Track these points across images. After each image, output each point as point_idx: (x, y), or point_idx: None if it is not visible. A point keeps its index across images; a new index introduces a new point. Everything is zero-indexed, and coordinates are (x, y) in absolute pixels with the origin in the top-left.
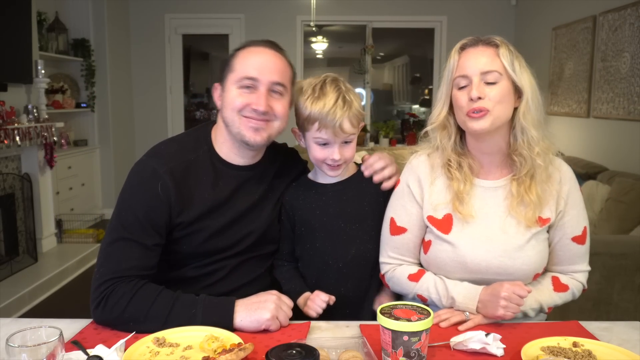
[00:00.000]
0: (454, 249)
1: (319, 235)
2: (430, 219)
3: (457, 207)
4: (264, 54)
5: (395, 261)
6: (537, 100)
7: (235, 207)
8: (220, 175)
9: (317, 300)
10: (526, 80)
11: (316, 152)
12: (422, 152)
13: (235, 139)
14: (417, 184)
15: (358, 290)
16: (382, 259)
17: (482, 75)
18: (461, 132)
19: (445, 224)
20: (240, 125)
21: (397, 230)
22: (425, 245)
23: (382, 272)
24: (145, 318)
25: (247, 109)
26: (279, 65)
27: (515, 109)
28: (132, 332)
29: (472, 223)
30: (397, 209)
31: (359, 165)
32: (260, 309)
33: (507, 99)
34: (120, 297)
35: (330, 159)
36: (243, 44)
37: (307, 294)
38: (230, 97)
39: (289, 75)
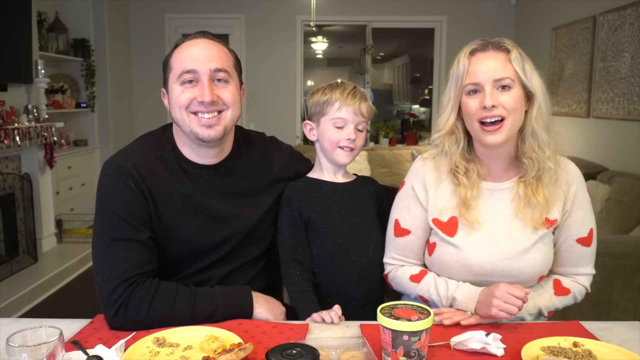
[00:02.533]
0: (458, 252)
1: (340, 231)
2: (435, 221)
3: (464, 214)
4: (197, 45)
5: (398, 262)
6: (547, 103)
7: (211, 207)
8: (187, 174)
9: (333, 314)
10: (537, 83)
11: (332, 134)
12: (429, 154)
13: (191, 139)
14: (422, 187)
15: (380, 287)
16: (385, 259)
17: (495, 83)
18: (469, 137)
19: (450, 227)
20: (191, 124)
21: (401, 232)
22: (430, 247)
23: (386, 272)
24: (170, 318)
25: (193, 103)
26: (216, 52)
27: (525, 112)
28: (154, 328)
29: (478, 226)
30: (402, 211)
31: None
32: (275, 301)
33: (520, 105)
34: (139, 301)
35: (346, 139)
36: (177, 42)
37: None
38: (174, 96)
39: (231, 60)
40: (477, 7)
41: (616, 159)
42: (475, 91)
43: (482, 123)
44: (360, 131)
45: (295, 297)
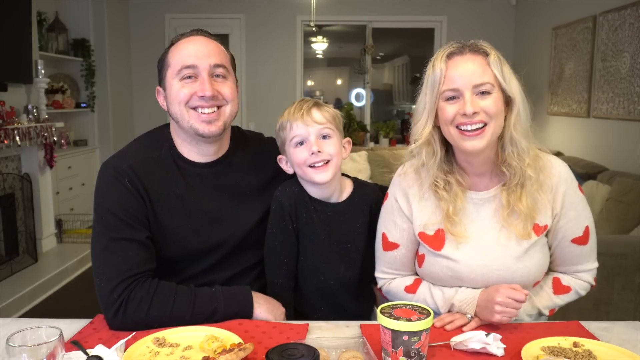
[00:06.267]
0: (448, 264)
1: (313, 252)
2: (422, 235)
3: (449, 229)
4: (195, 41)
5: (389, 276)
6: (526, 109)
7: (207, 207)
8: (184, 173)
9: None
10: (515, 88)
11: (296, 156)
12: (409, 166)
13: (190, 135)
14: (405, 200)
15: (349, 304)
16: (377, 273)
17: (474, 88)
18: (447, 146)
19: (437, 240)
20: (190, 119)
21: (389, 246)
22: (419, 258)
23: (378, 286)
24: (170, 318)
25: (193, 98)
26: (214, 48)
27: (505, 117)
28: (155, 328)
29: (465, 240)
30: (388, 225)
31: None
32: (275, 302)
33: (501, 110)
34: (139, 301)
35: (309, 154)
36: (173, 40)
37: None
38: (173, 91)
39: (227, 57)
40: (477, 7)
41: (616, 159)
42: (453, 97)
43: (460, 129)
44: (327, 137)
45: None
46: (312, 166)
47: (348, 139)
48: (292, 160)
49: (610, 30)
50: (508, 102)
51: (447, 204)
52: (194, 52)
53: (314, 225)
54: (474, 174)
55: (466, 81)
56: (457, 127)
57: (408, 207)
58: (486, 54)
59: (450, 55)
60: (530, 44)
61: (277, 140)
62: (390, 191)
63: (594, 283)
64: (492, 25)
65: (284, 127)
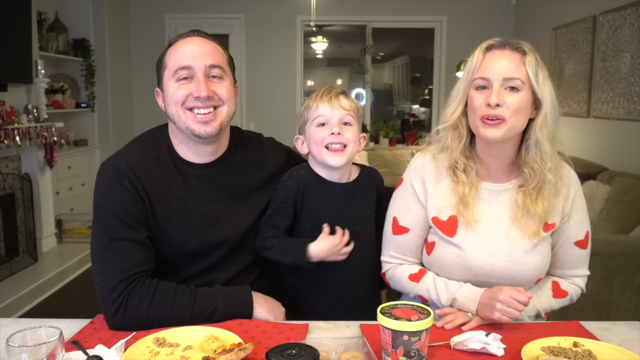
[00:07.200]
0: (458, 252)
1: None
2: (435, 220)
3: (461, 212)
4: (191, 42)
5: (396, 260)
6: (555, 114)
7: (205, 208)
8: (183, 173)
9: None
10: (547, 92)
11: (316, 134)
12: (428, 152)
13: (187, 136)
14: (421, 185)
15: (355, 290)
16: (383, 257)
17: (504, 81)
18: (472, 135)
19: (450, 227)
20: (187, 120)
21: (399, 229)
22: (428, 246)
23: (383, 270)
24: (170, 318)
25: (189, 99)
26: (210, 49)
27: (531, 120)
28: (154, 328)
29: (477, 226)
30: (400, 209)
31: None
32: (275, 302)
33: (525, 109)
34: (139, 301)
35: (330, 134)
36: (170, 41)
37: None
38: (170, 92)
39: (225, 57)
40: (477, 7)
41: (616, 159)
42: (483, 87)
43: (482, 117)
44: (348, 125)
45: (281, 253)
46: (328, 147)
47: (364, 134)
48: (311, 138)
49: (610, 30)
50: (537, 105)
51: (463, 187)
52: (189, 53)
53: (322, 207)
54: (492, 165)
55: (497, 72)
56: (480, 117)
57: (424, 192)
58: (524, 53)
59: (489, 48)
60: (530, 44)
61: (298, 120)
62: (405, 176)
63: (584, 290)
64: (492, 25)
65: (310, 107)
